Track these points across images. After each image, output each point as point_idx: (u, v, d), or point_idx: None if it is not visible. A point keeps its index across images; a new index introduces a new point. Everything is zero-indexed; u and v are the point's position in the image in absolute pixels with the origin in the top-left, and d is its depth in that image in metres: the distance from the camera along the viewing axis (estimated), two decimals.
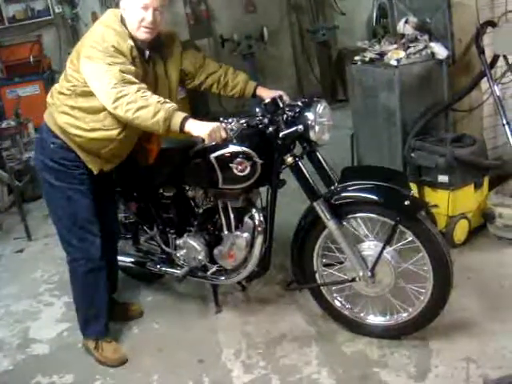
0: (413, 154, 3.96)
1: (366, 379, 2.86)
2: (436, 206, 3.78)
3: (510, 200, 3.85)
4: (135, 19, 2.89)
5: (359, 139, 4.65)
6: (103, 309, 3.32)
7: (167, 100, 2.82)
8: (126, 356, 3.30)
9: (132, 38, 2.92)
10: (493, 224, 3.91)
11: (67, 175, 3.10)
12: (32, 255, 4.82)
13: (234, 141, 2.92)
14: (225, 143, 2.92)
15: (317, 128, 2.91)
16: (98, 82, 2.83)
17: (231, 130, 2.88)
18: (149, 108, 2.74)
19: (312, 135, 2.91)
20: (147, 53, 3.04)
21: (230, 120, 2.93)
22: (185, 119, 2.77)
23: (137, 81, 2.83)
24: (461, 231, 3.87)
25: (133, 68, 2.86)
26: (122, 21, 2.94)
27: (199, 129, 2.77)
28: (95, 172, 3.14)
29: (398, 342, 3.05)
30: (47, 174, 3.13)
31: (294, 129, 2.91)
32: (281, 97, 3.07)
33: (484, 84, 4.09)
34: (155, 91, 2.97)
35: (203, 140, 2.79)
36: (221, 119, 2.92)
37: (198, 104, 6.90)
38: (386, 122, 4.22)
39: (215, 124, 2.80)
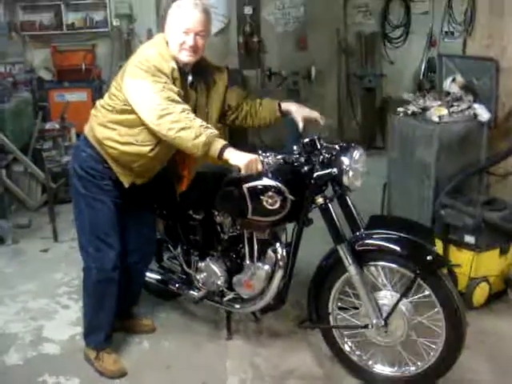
0: (442, 211, 3.96)
1: None
2: (459, 265, 3.77)
3: None
4: (177, 42, 2.98)
5: (391, 189, 4.68)
6: (108, 320, 3.37)
7: (210, 125, 2.90)
8: (125, 369, 3.33)
9: (175, 60, 3.00)
10: None
11: (93, 185, 3.19)
12: (56, 256, 4.90)
13: (269, 175, 2.97)
14: (259, 175, 2.97)
15: (351, 173, 2.95)
16: (142, 99, 2.90)
17: (268, 164, 2.95)
18: (191, 130, 2.80)
19: (345, 180, 2.96)
20: (190, 77, 3.12)
21: (267, 154, 2.99)
22: (224, 147, 2.83)
23: (181, 100, 2.91)
24: (481, 294, 3.85)
25: (175, 88, 2.94)
26: (168, 43, 3.04)
27: (237, 158, 2.83)
28: (126, 185, 3.22)
29: None
30: (76, 180, 3.23)
31: (328, 171, 2.96)
32: (320, 138, 3.13)
33: None
34: (194, 110, 3.05)
35: (239, 170, 2.85)
36: (259, 152, 2.98)
37: (237, 134, 6.97)
38: (419, 176, 4.25)
39: (253, 156, 2.86)
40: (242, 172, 2.85)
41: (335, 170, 2.94)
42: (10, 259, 4.86)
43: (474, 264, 3.82)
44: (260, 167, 2.89)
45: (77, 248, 4.67)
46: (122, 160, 3.15)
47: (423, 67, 8.01)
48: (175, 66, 2.97)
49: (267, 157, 2.96)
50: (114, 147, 3.10)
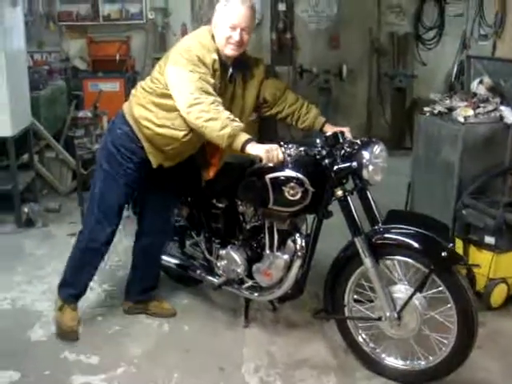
0: (464, 211, 3.98)
1: None
2: (478, 265, 3.79)
3: None
4: (223, 36, 3.10)
5: (415, 188, 4.70)
6: (84, 282, 3.63)
7: (236, 119, 3.00)
8: (77, 330, 3.55)
9: (218, 53, 3.12)
10: None
11: (117, 163, 3.35)
12: None
13: (290, 165, 3.04)
14: (281, 167, 3.04)
15: (370, 167, 3.00)
16: (178, 85, 3.06)
17: (289, 155, 3.02)
18: (218, 121, 2.92)
19: (365, 173, 3.01)
20: (230, 70, 3.22)
21: (289, 145, 3.05)
22: (248, 141, 2.94)
23: (213, 92, 3.03)
24: (499, 295, 3.86)
25: (212, 80, 3.05)
26: (213, 36, 3.15)
27: (258, 148, 2.93)
28: (154, 165, 3.35)
29: None
30: (104, 154, 3.41)
31: (348, 164, 3.02)
32: (343, 133, 3.19)
33: None
34: (228, 109, 3.13)
35: (260, 159, 2.94)
36: (281, 143, 3.05)
37: (267, 129, 7.03)
38: (443, 176, 4.27)
39: (274, 146, 2.96)
40: (264, 161, 2.93)
41: (355, 163, 3.00)
42: (40, 241, 4.99)
43: (493, 265, 3.83)
44: (281, 156, 2.96)
45: None
46: (156, 141, 3.28)
47: (455, 69, 7.95)
48: (217, 58, 3.09)
49: (289, 148, 3.03)
50: (149, 127, 3.24)
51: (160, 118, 3.19)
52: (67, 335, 3.53)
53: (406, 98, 8.22)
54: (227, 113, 2.98)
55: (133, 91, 3.40)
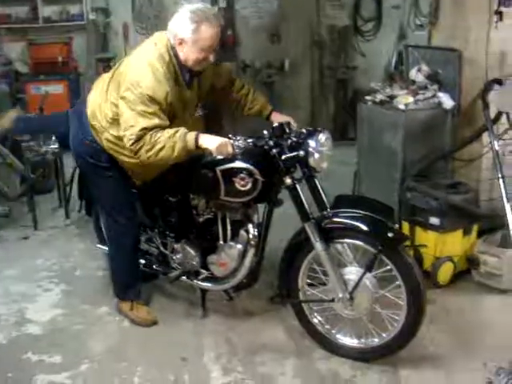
0: (408, 194, 4.13)
1: None
2: (425, 245, 3.96)
3: (495, 249, 3.98)
4: (195, 57, 3.12)
5: (361, 176, 4.85)
6: (138, 275, 3.76)
7: (172, 129, 3.04)
8: (156, 318, 3.69)
9: (180, 64, 3.16)
10: (477, 270, 4.04)
11: (114, 173, 3.48)
12: (36, 243, 4.99)
13: (240, 157, 3.13)
14: (232, 158, 3.13)
15: (316, 155, 3.10)
16: (123, 125, 3.10)
17: (238, 146, 3.09)
18: (166, 147, 3.01)
19: (311, 161, 3.11)
20: (187, 79, 3.26)
21: (238, 138, 3.13)
22: (197, 136, 3.03)
23: (154, 122, 3.03)
24: (445, 273, 4.01)
25: (156, 121, 3.04)
26: (173, 49, 3.14)
27: (209, 142, 3.02)
28: (137, 184, 3.53)
29: (370, 366, 3.21)
30: (98, 169, 3.48)
31: (295, 153, 3.11)
32: (288, 123, 3.29)
33: (486, 138, 4.23)
34: (184, 107, 3.26)
35: (211, 153, 3.02)
36: (230, 136, 3.13)
37: (213, 124, 7.06)
38: (387, 162, 4.41)
39: (224, 139, 3.04)
40: (214, 154, 3.02)
41: (302, 152, 3.10)
42: None
43: (439, 244, 3.99)
44: (231, 150, 3.05)
45: (56, 236, 4.89)
46: (136, 169, 3.41)
47: (394, 59, 8.15)
48: (168, 90, 3.08)
49: (237, 140, 3.10)
50: (126, 161, 3.35)
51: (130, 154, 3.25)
52: (150, 325, 3.67)
53: (347, 89, 8.39)
54: (165, 132, 3.01)
55: (90, 117, 3.39)
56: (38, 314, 3.84)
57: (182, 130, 3.04)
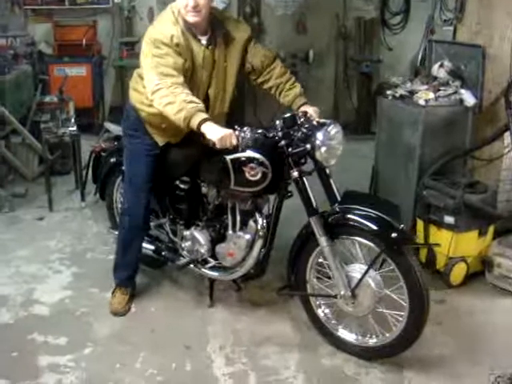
0: (425, 192, 4.06)
1: None
2: (438, 244, 3.90)
3: (510, 252, 3.92)
4: (182, 5, 3.18)
5: (379, 170, 4.78)
6: (135, 263, 3.77)
7: (194, 99, 3.07)
8: (127, 312, 3.69)
9: (185, 25, 3.21)
10: (491, 272, 3.99)
11: (136, 143, 3.52)
12: (50, 225, 5.01)
13: (250, 147, 3.09)
14: (243, 148, 3.09)
15: (323, 149, 3.03)
16: (144, 73, 3.21)
17: (244, 138, 3.04)
18: (174, 105, 3.03)
19: (318, 155, 3.04)
20: (203, 41, 3.28)
21: (244, 129, 3.09)
22: (203, 121, 3.01)
23: (175, 73, 3.11)
24: (458, 273, 3.96)
25: (172, 59, 3.12)
26: (179, 12, 3.22)
27: (212, 133, 2.99)
28: (160, 144, 3.47)
29: (375, 365, 3.18)
30: (124, 139, 3.64)
31: (302, 148, 3.07)
32: (306, 113, 3.25)
33: (507, 138, 4.17)
34: (210, 75, 3.30)
35: (214, 144, 3.00)
36: (235, 127, 3.09)
37: (234, 113, 7.03)
38: (405, 158, 4.35)
39: (227, 131, 3.01)
40: (217, 146, 2.99)
41: (308, 145, 3.04)
42: (6, 226, 4.97)
43: (453, 244, 3.93)
44: (234, 142, 3.01)
45: (71, 218, 4.90)
46: (152, 121, 3.41)
47: (420, 54, 8.04)
48: (175, 33, 3.17)
49: (244, 131, 3.06)
50: (142, 109, 3.40)
51: (148, 98, 3.25)
52: (114, 315, 3.67)
53: (372, 82, 8.29)
54: (184, 94, 3.05)
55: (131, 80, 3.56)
56: (47, 295, 3.85)
57: (200, 105, 3.07)
